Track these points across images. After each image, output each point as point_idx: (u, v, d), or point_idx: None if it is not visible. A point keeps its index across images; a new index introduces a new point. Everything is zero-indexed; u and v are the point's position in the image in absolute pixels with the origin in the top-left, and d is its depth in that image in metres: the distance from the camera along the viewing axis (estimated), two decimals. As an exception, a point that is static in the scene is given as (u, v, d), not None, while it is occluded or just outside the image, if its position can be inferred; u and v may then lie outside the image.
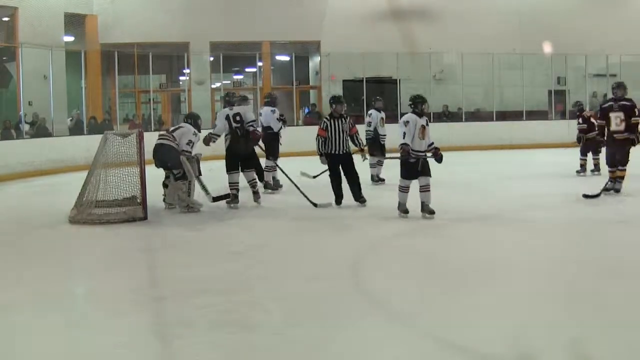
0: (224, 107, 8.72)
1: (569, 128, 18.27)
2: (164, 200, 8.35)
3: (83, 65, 15.87)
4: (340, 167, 8.11)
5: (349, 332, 3.81)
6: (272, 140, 9.90)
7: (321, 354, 3.53)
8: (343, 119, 8.12)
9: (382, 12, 18.36)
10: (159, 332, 3.93)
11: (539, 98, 19.23)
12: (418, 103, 7.29)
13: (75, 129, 15.53)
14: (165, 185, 8.39)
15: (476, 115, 18.93)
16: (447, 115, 18.65)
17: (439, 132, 17.09)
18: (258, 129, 8.81)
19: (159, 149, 8.12)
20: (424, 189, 7.21)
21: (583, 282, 4.79)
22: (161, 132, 8.50)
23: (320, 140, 8.03)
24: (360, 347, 3.61)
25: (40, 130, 14.59)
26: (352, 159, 8.19)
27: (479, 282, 4.83)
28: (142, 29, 17.50)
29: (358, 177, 8.16)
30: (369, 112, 10.66)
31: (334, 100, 8.26)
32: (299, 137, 14.36)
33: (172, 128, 8.46)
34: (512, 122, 18.31)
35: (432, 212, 7.15)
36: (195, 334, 3.80)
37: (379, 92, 13.50)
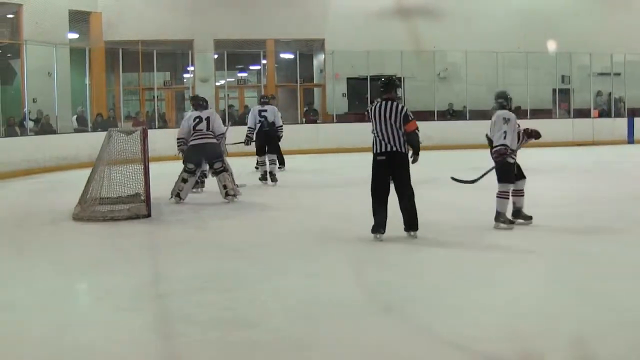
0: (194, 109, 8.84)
1: (573, 127, 18.34)
2: (177, 194, 8.35)
3: (87, 62, 15.88)
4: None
5: (349, 330, 3.82)
6: (276, 137, 10.26)
7: (321, 352, 3.54)
8: None
9: (387, 10, 18.32)
10: (160, 329, 3.94)
11: (543, 97, 19.16)
12: (510, 99, 6.50)
13: (80, 127, 15.57)
14: (184, 181, 8.39)
15: (481, 114, 18.87)
16: (451, 114, 18.61)
17: (443, 131, 17.37)
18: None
19: (205, 148, 8.34)
20: (520, 193, 6.62)
21: (584, 281, 4.79)
22: (199, 131, 8.36)
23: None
24: (361, 344, 3.62)
25: (44, 127, 14.64)
26: None
27: (480, 280, 4.84)
28: (146, 27, 17.52)
29: None
30: None
31: None
32: (300, 136, 14.36)
33: (204, 125, 8.41)
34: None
35: (529, 218, 6.60)
36: (196, 331, 3.81)
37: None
